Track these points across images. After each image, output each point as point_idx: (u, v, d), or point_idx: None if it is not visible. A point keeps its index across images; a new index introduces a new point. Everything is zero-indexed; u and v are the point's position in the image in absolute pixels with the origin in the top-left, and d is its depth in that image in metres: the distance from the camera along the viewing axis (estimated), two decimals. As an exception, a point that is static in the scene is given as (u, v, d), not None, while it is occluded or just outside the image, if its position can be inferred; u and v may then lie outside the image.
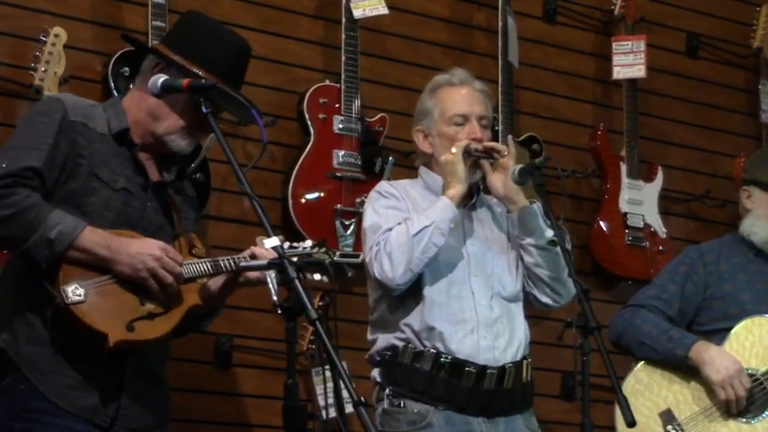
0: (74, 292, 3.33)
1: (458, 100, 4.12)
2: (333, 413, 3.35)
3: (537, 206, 4.04)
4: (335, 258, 3.62)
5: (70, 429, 3.37)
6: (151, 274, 3.41)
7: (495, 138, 4.67)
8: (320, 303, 4.72)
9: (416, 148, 4.21)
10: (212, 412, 5.09)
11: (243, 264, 3.58)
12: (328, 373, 3.27)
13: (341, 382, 3.24)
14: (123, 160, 3.55)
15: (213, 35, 3.67)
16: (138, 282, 3.42)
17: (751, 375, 4.37)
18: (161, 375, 3.62)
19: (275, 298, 3.40)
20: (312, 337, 4.87)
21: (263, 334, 5.09)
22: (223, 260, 3.58)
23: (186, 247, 3.57)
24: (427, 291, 4.00)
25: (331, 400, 3.34)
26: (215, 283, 3.62)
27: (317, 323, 3.25)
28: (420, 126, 4.16)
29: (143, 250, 3.41)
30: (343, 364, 3.25)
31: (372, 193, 4.17)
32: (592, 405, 3.77)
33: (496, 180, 4.06)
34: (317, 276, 3.59)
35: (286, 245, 3.58)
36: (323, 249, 3.60)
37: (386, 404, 4.02)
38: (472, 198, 4.15)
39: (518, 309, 4.09)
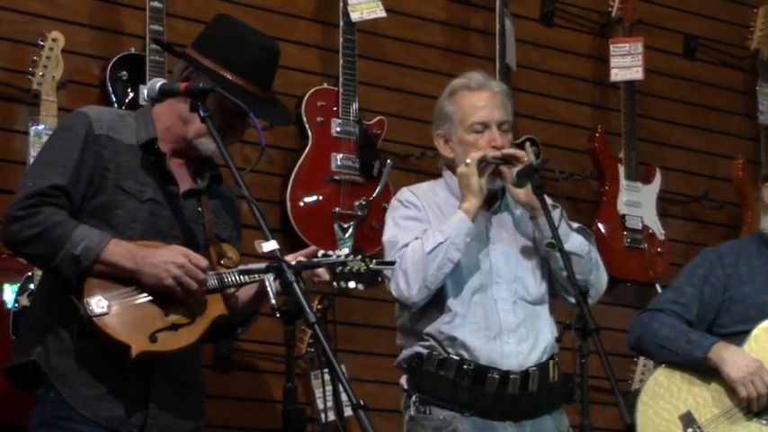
0: (97, 304, 3.36)
1: (477, 106, 4.08)
2: (332, 416, 3.35)
3: (560, 211, 4.02)
4: (372, 266, 3.60)
5: None
6: (177, 282, 3.42)
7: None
8: (319, 307, 4.72)
9: (438, 151, 4.19)
10: (212, 416, 5.06)
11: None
12: (327, 377, 3.27)
13: (340, 385, 3.24)
14: (151, 170, 3.56)
15: (242, 38, 3.69)
16: (163, 290, 3.43)
17: None
18: (192, 383, 3.62)
19: (274, 302, 3.40)
20: (311, 341, 4.87)
21: (262, 337, 5.08)
22: (254, 269, 3.54)
23: (215, 257, 3.57)
24: (450, 301, 3.99)
25: (330, 404, 3.34)
26: (246, 292, 3.62)
27: (316, 326, 3.25)
28: (440, 131, 4.14)
29: (167, 259, 3.42)
30: (342, 367, 3.25)
31: (393, 202, 4.16)
32: (591, 407, 3.76)
33: (517, 188, 4.04)
34: (351, 284, 3.57)
35: (320, 253, 3.57)
36: (359, 257, 3.58)
37: (412, 411, 4.02)
38: (496, 202, 4.13)
39: (543, 311, 4.08)
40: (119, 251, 3.40)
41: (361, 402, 3.21)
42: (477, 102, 4.09)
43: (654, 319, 4.52)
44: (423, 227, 4.02)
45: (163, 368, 3.48)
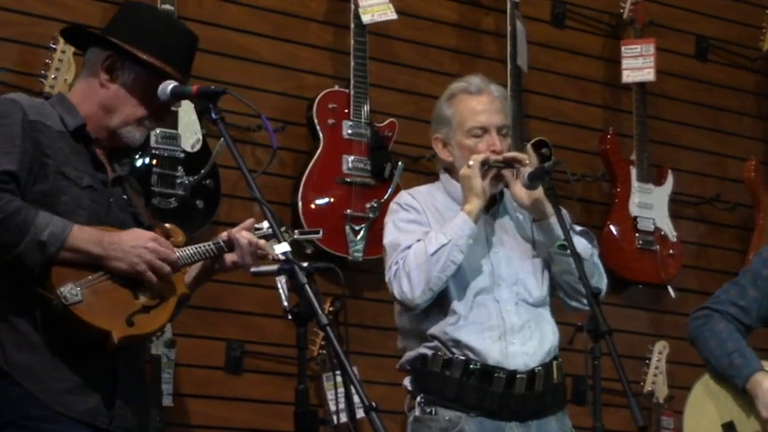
0: (70, 292, 3.28)
1: (477, 110, 4.06)
2: (344, 418, 3.35)
3: (564, 214, 4.01)
4: (295, 237, 3.60)
5: None
6: (149, 267, 3.39)
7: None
8: (331, 309, 4.72)
9: (436, 154, 4.19)
10: (223, 418, 5.09)
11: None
12: (339, 379, 3.26)
13: (352, 387, 3.23)
14: (83, 157, 3.47)
15: (162, 24, 3.58)
16: (135, 276, 3.39)
17: None
18: (144, 369, 3.60)
19: (286, 303, 3.40)
20: (323, 343, 4.87)
21: (273, 340, 5.09)
22: (207, 246, 3.53)
23: (164, 238, 3.54)
24: (452, 303, 3.98)
25: (342, 406, 3.33)
26: (190, 272, 3.59)
27: (328, 328, 3.24)
28: (439, 134, 4.12)
29: (137, 243, 3.37)
30: (354, 369, 3.24)
31: (393, 205, 4.14)
32: (603, 409, 3.76)
33: (520, 190, 4.02)
34: (277, 250, 3.57)
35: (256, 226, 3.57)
36: (282, 229, 3.57)
37: (417, 412, 4.00)
38: (494, 205, 4.12)
39: (546, 312, 4.08)
40: (84, 236, 3.31)
41: (374, 404, 3.20)
42: (477, 106, 4.08)
43: (708, 323, 4.43)
44: (423, 229, 4.00)
45: (126, 356, 3.42)
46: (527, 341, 3.99)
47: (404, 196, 4.14)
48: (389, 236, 4.05)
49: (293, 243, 3.54)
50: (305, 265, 3.36)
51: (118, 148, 3.59)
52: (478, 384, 3.94)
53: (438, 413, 3.96)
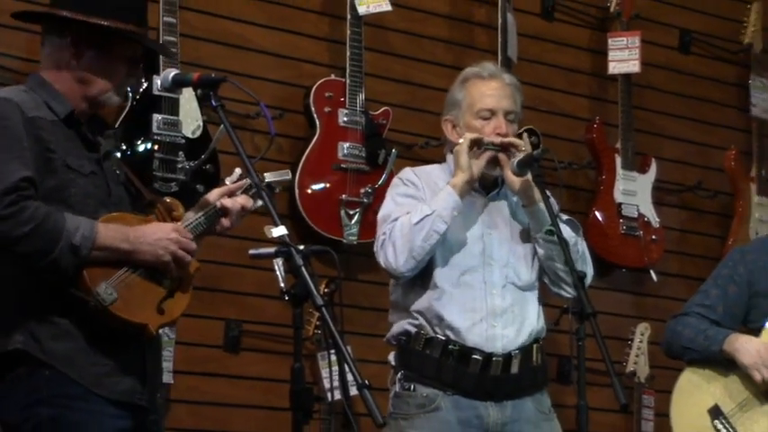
0: (106, 292, 3.29)
1: (486, 94, 4.08)
2: (338, 395, 3.36)
3: (552, 202, 4.02)
4: (267, 180, 3.60)
5: (101, 413, 3.33)
6: (173, 257, 3.41)
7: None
8: (326, 290, 4.73)
9: (444, 136, 4.18)
10: (222, 395, 5.11)
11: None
12: (334, 357, 3.27)
13: (346, 365, 3.24)
14: (76, 141, 3.44)
15: None
16: (160, 267, 3.41)
17: None
18: (160, 349, 3.60)
19: (283, 285, 3.40)
20: (318, 323, 4.88)
21: (270, 319, 5.10)
22: (208, 215, 3.51)
23: (167, 214, 3.54)
24: (439, 279, 3.99)
25: (336, 383, 3.34)
26: None
27: (323, 309, 3.25)
28: (449, 116, 4.13)
29: (161, 235, 3.38)
30: (348, 348, 3.25)
31: (395, 179, 4.16)
32: (587, 388, 3.77)
33: (511, 176, 4.03)
34: (259, 202, 3.57)
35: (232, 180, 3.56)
36: (258, 176, 3.58)
37: (398, 387, 4.02)
38: (495, 189, 4.13)
39: (532, 296, 4.08)
40: (111, 234, 3.32)
41: (366, 382, 3.21)
42: (487, 90, 4.09)
43: (679, 323, 4.53)
44: (417, 204, 4.01)
45: (150, 339, 3.44)
46: (508, 325, 4.00)
47: (407, 172, 4.15)
48: (385, 208, 4.07)
49: (268, 186, 3.55)
50: (301, 247, 3.37)
51: (96, 118, 3.54)
52: (456, 365, 3.95)
53: (416, 390, 3.98)
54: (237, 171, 3.57)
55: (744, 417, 4.39)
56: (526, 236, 4.10)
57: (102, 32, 3.44)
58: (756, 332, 4.46)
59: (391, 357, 4.08)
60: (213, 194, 3.56)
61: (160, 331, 3.48)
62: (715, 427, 4.42)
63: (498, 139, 4.02)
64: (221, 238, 3.73)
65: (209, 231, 3.58)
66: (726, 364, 4.42)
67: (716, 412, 4.43)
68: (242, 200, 3.53)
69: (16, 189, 3.23)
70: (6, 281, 3.36)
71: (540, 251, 4.06)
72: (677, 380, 4.57)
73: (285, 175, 3.69)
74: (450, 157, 4.14)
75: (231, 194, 3.55)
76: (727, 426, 4.40)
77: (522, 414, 3.98)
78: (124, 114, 4.79)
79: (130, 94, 4.75)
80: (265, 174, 3.62)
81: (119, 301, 3.31)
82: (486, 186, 4.10)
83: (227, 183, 3.58)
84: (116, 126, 4.71)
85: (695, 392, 4.48)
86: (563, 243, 3.89)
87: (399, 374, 4.01)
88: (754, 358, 4.34)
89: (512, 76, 4.25)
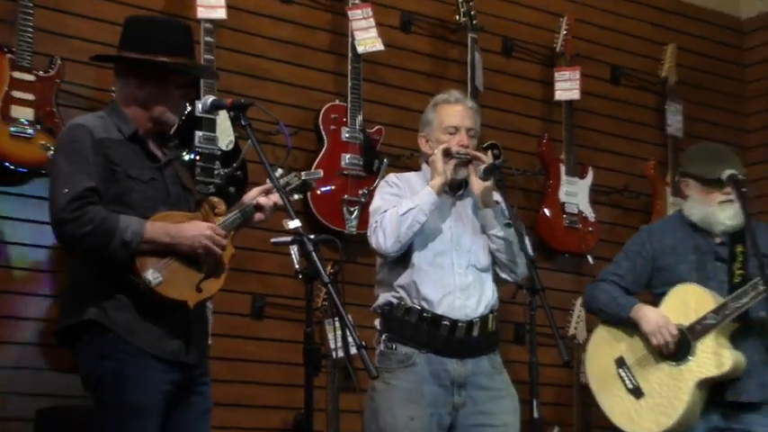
0: (153, 275, 3.31)
1: (452, 114, 4.09)
2: (341, 354, 3.36)
3: (501, 206, 4.03)
4: (303, 178, 3.60)
5: (152, 368, 3.36)
6: (206, 251, 3.41)
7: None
8: (331, 271, 4.72)
9: (420, 149, 4.19)
10: (250, 353, 5.11)
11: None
12: (337, 324, 3.28)
13: (347, 330, 3.24)
14: (139, 154, 3.47)
15: (162, 27, 3.52)
16: (195, 256, 3.41)
17: (679, 330, 4.35)
18: (206, 318, 3.62)
19: (297, 266, 3.41)
20: (325, 296, 4.87)
21: (288, 293, 5.09)
22: (244, 212, 3.52)
23: (211, 210, 3.55)
24: (417, 260, 3.99)
25: (339, 344, 3.34)
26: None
27: (329, 285, 3.26)
28: (423, 133, 4.15)
29: (197, 233, 3.39)
30: (349, 316, 3.25)
31: (383, 182, 4.17)
32: (537, 348, 3.78)
33: (476, 181, 4.04)
34: (295, 197, 3.57)
35: (278, 173, 3.53)
36: (292, 174, 3.57)
37: (382, 347, 4.01)
38: (460, 190, 4.13)
39: (488, 277, 4.07)
40: (156, 230, 3.33)
41: (363, 343, 3.22)
42: (452, 111, 4.11)
43: (596, 287, 4.52)
44: (400, 200, 4.02)
45: (194, 311, 3.45)
46: (470, 297, 3.99)
47: (391, 177, 4.18)
48: (375, 203, 4.08)
49: (303, 183, 3.54)
50: (312, 237, 3.37)
51: (162, 133, 3.56)
52: (429, 329, 3.94)
53: (397, 348, 3.97)
54: (280, 171, 3.57)
55: (642, 369, 4.39)
56: (483, 229, 4.10)
57: (158, 67, 3.46)
58: (656, 296, 4.45)
59: (377, 323, 4.08)
60: (253, 192, 3.57)
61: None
62: (619, 374, 4.42)
63: (465, 150, 4.03)
64: (251, 229, 3.73)
65: (245, 224, 3.58)
66: (631, 326, 4.42)
67: (620, 363, 4.43)
68: (274, 198, 3.54)
69: (80, 197, 3.28)
70: (82, 270, 3.42)
71: (492, 245, 4.06)
72: (592, 334, 4.56)
73: (317, 174, 3.70)
74: (425, 166, 4.16)
75: (267, 193, 3.56)
76: (628, 374, 4.40)
77: (480, 369, 3.98)
78: (173, 131, 4.78)
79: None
80: (302, 172, 3.64)
81: (164, 283, 3.32)
82: (453, 188, 4.11)
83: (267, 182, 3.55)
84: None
85: (606, 346, 4.47)
86: (519, 234, 3.89)
87: (384, 336, 4.01)
88: (653, 326, 4.34)
89: (473, 101, 4.25)
